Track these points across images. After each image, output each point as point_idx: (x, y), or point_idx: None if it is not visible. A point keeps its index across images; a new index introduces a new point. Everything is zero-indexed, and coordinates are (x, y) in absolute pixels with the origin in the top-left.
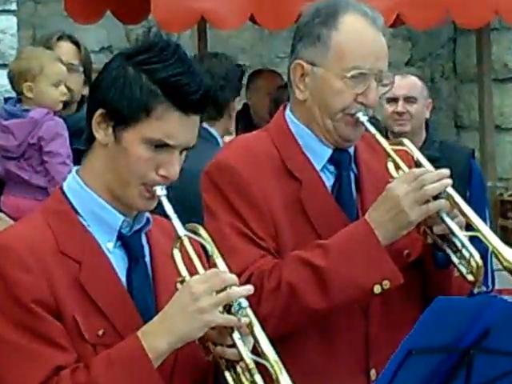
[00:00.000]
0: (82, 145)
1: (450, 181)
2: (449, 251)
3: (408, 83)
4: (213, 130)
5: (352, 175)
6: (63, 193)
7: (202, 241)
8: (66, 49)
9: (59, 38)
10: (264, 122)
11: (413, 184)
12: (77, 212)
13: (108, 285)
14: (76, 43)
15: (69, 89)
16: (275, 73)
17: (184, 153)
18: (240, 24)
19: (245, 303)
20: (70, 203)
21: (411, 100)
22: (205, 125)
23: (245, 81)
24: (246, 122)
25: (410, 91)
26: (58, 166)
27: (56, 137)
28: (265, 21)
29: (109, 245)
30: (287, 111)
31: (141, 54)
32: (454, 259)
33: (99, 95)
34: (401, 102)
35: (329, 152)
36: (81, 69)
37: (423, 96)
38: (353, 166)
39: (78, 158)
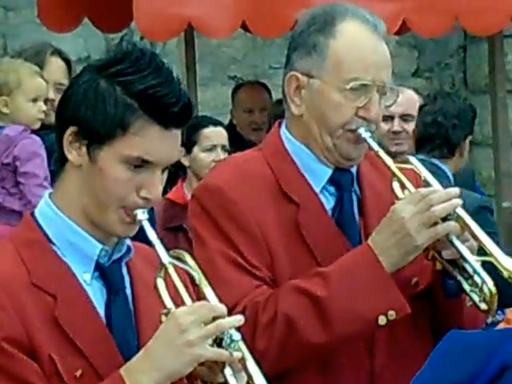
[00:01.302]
0: None
1: (459, 201)
2: (460, 278)
3: (405, 100)
4: (445, 168)
5: (354, 197)
6: (35, 219)
7: (189, 268)
8: (56, 66)
9: (52, 53)
10: (248, 141)
11: (419, 205)
12: (50, 240)
13: (85, 320)
14: (66, 60)
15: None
16: (259, 86)
17: (165, 172)
18: (231, 32)
19: (237, 336)
20: (43, 231)
21: (408, 118)
22: (436, 161)
23: None
24: (237, 141)
25: (407, 109)
26: (35, 189)
27: (33, 156)
28: (258, 28)
29: (86, 276)
30: (282, 128)
31: (113, 66)
32: (466, 286)
33: (69, 112)
34: (397, 121)
35: (329, 172)
36: None
37: None
38: (355, 187)
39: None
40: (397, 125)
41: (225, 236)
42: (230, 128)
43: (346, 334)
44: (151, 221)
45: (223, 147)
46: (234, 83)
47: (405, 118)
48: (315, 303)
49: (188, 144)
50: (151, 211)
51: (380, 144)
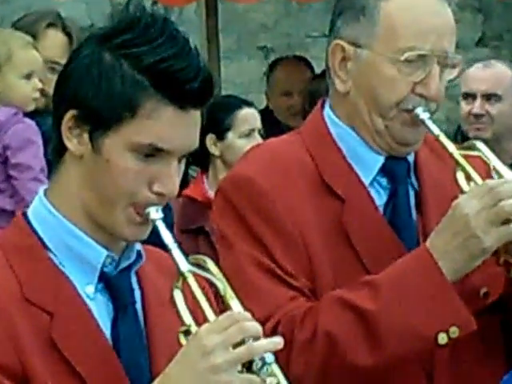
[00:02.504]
0: None
1: None
2: None
3: (490, 75)
4: None
5: (411, 191)
6: (28, 221)
7: (211, 277)
8: (53, 41)
9: (49, 25)
10: (286, 128)
11: (486, 199)
12: (46, 246)
13: (88, 342)
14: (69, 35)
15: (46, 94)
16: (300, 62)
17: (183, 162)
18: None
19: (270, 358)
20: (37, 235)
21: (493, 98)
22: None
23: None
24: (273, 128)
25: (493, 87)
26: (29, 183)
27: (26, 145)
28: None
29: (88, 289)
30: (326, 108)
31: (119, 35)
32: None
33: (68, 92)
34: (479, 101)
35: (380, 160)
36: None
37: None
38: (413, 179)
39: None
40: (478, 106)
41: (255, 237)
42: (265, 113)
43: (398, 355)
44: (167, 221)
45: (259, 131)
46: (263, 55)
47: (489, 97)
48: (362, 318)
49: (220, 129)
50: (168, 209)
51: (459, 129)
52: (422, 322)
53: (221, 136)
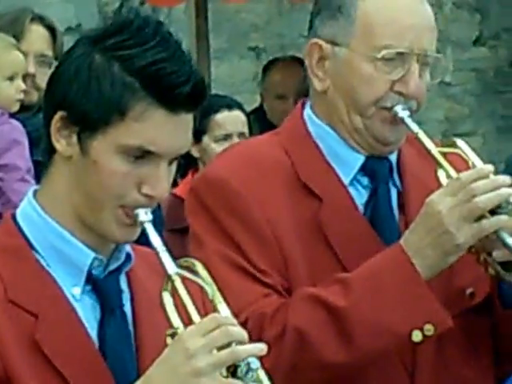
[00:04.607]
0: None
1: (509, 190)
2: None
3: None
4: None
5: (394, 190)
6: (15, 222)
7: (200, 281)
8: (37, 35)
9: (31, 20)
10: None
11: (459, 195)
12: (33, 247)
13: (73, 344)
14: (50, 28)
15: (38, 87)
16: (296, 63)
17: (174, 164)
18: None
19: (255, 364)
20: (24, 236)
21: None
22: None
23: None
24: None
25: None
26: (16, 184)
27: (13, 145)
28: None
29: (75, 290)
30: (306, 108)
31: (111, 37)
32: None
33: (58, 93)
34: None
35: (360, 159)
36: (55, 62)
37: None
38: (395, 177)
39: (40, 173)
40: None
41: (227, 235)
42: (259, 113)
43: (371, 352)
44: (158, 222)
45: (241, 135)
46: (255, 55)
47: None
48: (333, 315)
49: (197, 131)
50: (158, 210)
51: None
52: (394, 319)
53: (197, 138)
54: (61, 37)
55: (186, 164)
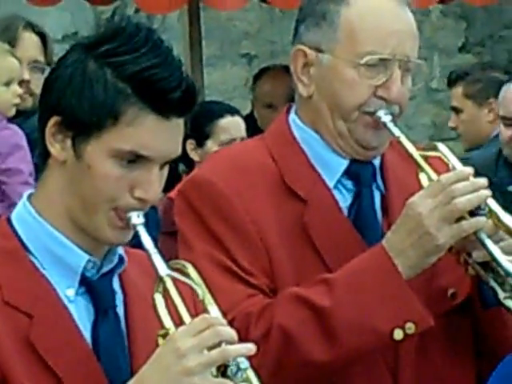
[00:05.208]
0: None
1: (488, 192)
2: (493, 284)
3: None
4: None
5: (377, 193)
6: (11, 225)
7: (191, 283)
8: (29, 42)
9: (24, 28)
10: None
11: (439, 197)
12: (27, 250)
13: (67, 344)
14: (41, 35)
15: (32, 93)
16: (285, 72)
17: (166, 168)
18: (243, 3)
19: (245, 363)
20: (19, 238)
21: None
22: None
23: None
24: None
25: None
26: (20, 187)
27: (15, 150)
28: None
29: (69, 292)
30: (291, 113)
31: (104, 44)
32: (500, 294)
33: (53, 98)
34: None
35: (344, 164)
36: (47, 68)
37: None
38: (379, 181)
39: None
40: None
41: (213, 237)
42: (251, 120)
43: (354, 350)
44: (155, 225)
45: (242, 140)
46: (247, 62)
47: None
48: (317, 314)
49: (200, 136)
50: (155, 212)
51: (500, 153)
52: (376, 317)
53: (200, 143)
54: (51, 42)
55: (189, 169)
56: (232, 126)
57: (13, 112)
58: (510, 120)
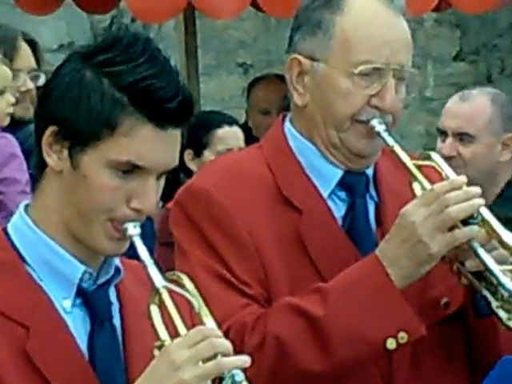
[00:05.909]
0: None
1: (481, 201)
2: (486, 293)
3: (464, 111)
4: None
5: (371, 203)
6: (7, 236)
7: (187, 294)
8: (25, 51)
9: (21, 37)
10: None
11: (433, 206)
12: (24, 261)
13: (63, 356)
14: (30, 42)
15: (34, 102)
16: (278, 80)
17: (162, 178)
18: (239, 11)
19: (240, 376)
20: (16, 249)
21: (465, 138)
22: None
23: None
24: (251, 141)
25: (465, 125)
26: (17, 197)
27: (10, 159)
28: (271, 7)
29: (65, 303)
30: (286, 122)
31: (101, 53)
32: (493, 303)
33: (49, 109)
34: (449, 140)
35: (338, 174)
36: (43, 76)
37: (491, 131)
38: (372, 191)
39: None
40: (448, 146)
41: (209, 246)
42: (245, 129)
43: (348, 360)
44: (150, 236)
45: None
46: (243, 71)
47: (461, 137)
48: (311, 324)
49: (198, 146)
50: (150, 224)
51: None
52: (369, 327)
53: (198, 153)
54: (40, 48)
55: (188, 179)
56: (229, 136)
57: (7, 121)
58: (443, 133)
